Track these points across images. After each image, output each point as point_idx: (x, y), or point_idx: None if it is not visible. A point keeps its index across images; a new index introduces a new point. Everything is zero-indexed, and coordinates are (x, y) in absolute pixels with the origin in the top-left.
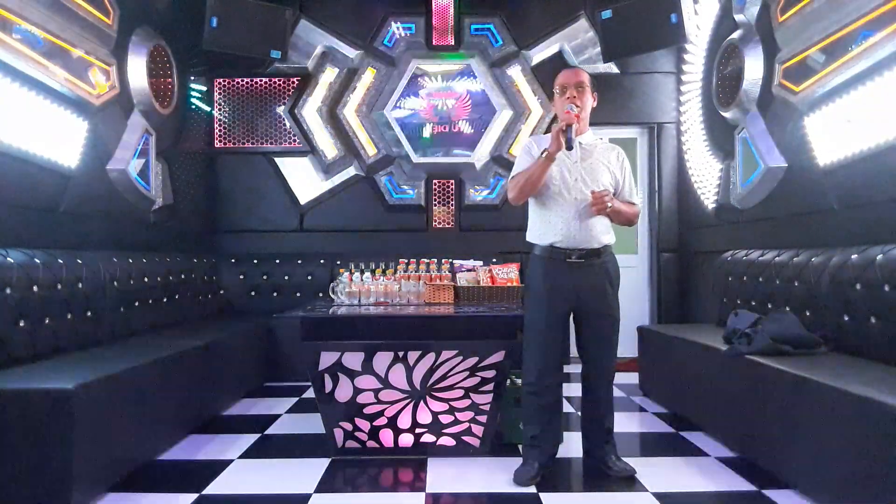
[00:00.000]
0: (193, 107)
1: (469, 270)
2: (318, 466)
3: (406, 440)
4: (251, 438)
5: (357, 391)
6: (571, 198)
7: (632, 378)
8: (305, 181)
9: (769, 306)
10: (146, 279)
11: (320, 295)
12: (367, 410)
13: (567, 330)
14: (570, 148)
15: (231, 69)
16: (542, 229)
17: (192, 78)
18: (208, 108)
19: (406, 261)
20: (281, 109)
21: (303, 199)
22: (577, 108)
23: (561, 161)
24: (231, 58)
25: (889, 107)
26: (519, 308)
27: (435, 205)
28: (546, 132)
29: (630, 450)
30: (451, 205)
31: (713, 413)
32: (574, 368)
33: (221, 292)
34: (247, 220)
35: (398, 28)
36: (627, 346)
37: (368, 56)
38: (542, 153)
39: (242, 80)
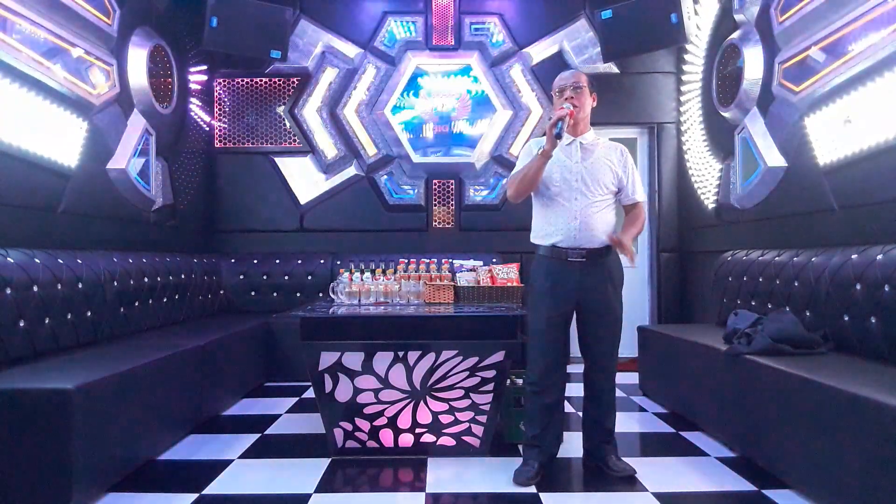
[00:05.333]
0: None
1: (469, 270)
2: (317, 466)
3: (406, 440)
4: (251, 438)
5: (357, 391)
6: (572, 198)
7: (632, 378)
8: (305, 181)
9: (769, 306)
10: (146, 279)
11: (320, 295)
12: (367, 410)
13: (569, 330)
14: (559, 137)
15: (231, 69)
16: (545, 230)
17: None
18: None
19: (406, 261)
20: (281, 109)
21: (303, 198)
22: (573, 106)
23: (561, 162)
24: (231, 58)
25: (889, 107)
26: (519, 308)
27: (435, 205)
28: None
29: (630, 450)
30: (451, 205)
31: (713, 413)
32: (576, 368)
33: (221, 292)
34: (247, 220)
35: (398, 27)
36: (627, 346)
37: (368, 56)
38: (538, 151)
39: (242, 80)
